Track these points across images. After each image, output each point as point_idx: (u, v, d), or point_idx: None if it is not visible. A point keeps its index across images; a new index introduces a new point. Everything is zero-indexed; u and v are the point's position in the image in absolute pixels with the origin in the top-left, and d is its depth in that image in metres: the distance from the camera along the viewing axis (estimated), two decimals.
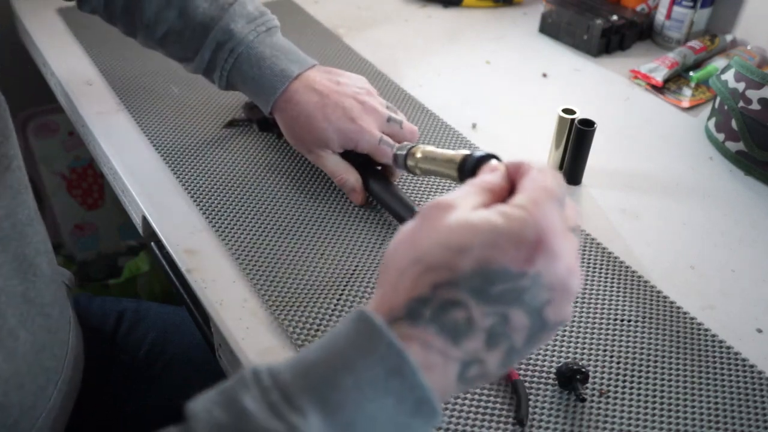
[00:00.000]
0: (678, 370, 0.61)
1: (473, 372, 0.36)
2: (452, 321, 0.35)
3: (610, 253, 0.73)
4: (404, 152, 0.62)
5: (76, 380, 0.67)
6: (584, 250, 0.73)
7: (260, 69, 0.74)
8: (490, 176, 0.41)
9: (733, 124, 0.87)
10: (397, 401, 0.33)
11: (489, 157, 0.47)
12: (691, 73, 1.04)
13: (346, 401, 0.32)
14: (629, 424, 0.57)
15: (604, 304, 0.67)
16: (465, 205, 0.37)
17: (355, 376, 0.33)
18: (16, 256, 0.56)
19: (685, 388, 0.60)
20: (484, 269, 0.35)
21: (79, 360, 0.69)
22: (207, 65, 0.77)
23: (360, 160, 0.75)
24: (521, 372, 0.60)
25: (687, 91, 1.02)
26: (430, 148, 0.59)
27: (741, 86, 0.85)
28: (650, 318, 0.66)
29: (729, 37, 1.10)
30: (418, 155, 0.60)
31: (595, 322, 0.65)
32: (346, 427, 0.32)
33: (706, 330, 0.65)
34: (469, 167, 0.48)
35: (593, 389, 0.60)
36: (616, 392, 0.59)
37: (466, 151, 0.51)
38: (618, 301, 0.68)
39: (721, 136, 0.89)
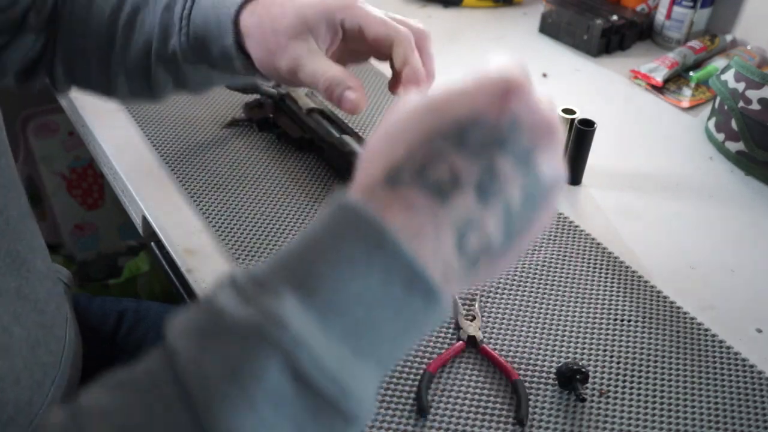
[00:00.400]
0: (678, 370, 0.61)
1: (474, 241, 0.33)
2: (435, 177, 0.32)
3: (610, 253, 0.73)
4: None
5: (74, 377, 0.67)
6: (584, 250, 0.73)
7: None
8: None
9: (733, 124, 0.87)
10: (384, 277, 0.30)
11: None
12: (691, 73, 1.04)
13: (325, 282, 0.30)
14: (629, 424, 0.57)
15: (604, 304, 0.67)
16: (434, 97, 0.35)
17: (334, 257, 0.30)
18: (8, 252, 0.56)
19: (685, 388, 0.60)
20: (456, 120, 0.33)
21: (77, 357, 0.69)
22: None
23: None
24: (521, 372, 0.60)
25: (687, 91, 1.02)
26: None
27: (741, 86, 0.85)
28: (650, 318, 0.66)
29: (729, 37, 1.10)
30: None
31: (595, 322, 0.65)
32: (328, 307, 0.30)
33: (706, 330, 0.65)
34: None
35: (593, 389, 0.60)
36: (616, 392, 0.59)
37: None
38: (618, 301, 0.68)
39: (721, 136, 0.89)
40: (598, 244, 0.74)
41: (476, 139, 0.32)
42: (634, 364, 0.62)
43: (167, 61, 0.63)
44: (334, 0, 0.53)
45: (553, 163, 0.35)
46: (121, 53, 0.65)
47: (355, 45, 0.55)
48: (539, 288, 0.69)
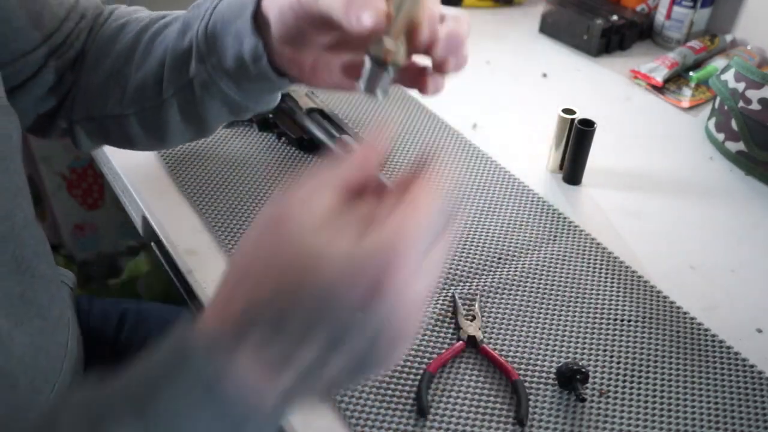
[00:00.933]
0: (678, 370, 0.61)
1: (296, 397, 0.36)
2: (277, 351, 0.34)
3: (610, 253, 0.73)
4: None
5: (74, 382, 0.67)
6: (584, 250, 0.73)
7: None
8: (346, 167, 0.37)
9: (733, 124, 0.87)
10: (214, 418, 0.34)
11: None
12: (691, 73, 1.04)
13: (164, 415, 0.34)
14: (629, 424, 0.57)
15: (604, 304, 0.67)
16: (312, 219, 0.35)
17: (173, 391, 0.34)
18: (14, 257, 0.56)
19: (685, 388, 0.60)
20: (315, 303, 0.34)
21: (78, 362, 0.69)
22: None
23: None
24: (521, 372, 0.60)
25: (687, 91, 1.02)
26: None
27: (741, 86, 0.85)
28: (650, 318, 0.66)
29: (729, 37, 1.10)
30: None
31: (595, 322, 0.65)
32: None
33: (707, 330, 0.65)
34: None
35: (593, 389, 0.60)
36: (616, 392, 0.59)
37: None
38: (618, 301, 0.68)
39: (721, 136, 0.89)
40: (598, 244, 0.74)
41: (333, 313, 0.34)
42: (634, 364, 0.62)
43: (180, 64, 0.59)
44: None
45: (392, 351, 0.36)
46: (138, 69, 0.62)
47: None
48: (539, 288, 0.69)
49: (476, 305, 0.66)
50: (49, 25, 0.63)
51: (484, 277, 0.69)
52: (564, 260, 0.72)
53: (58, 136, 0.69)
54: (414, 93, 0.97)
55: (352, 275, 0.33)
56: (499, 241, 0.74)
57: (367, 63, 0.44)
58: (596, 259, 0.72)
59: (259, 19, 0.53)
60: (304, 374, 0.35)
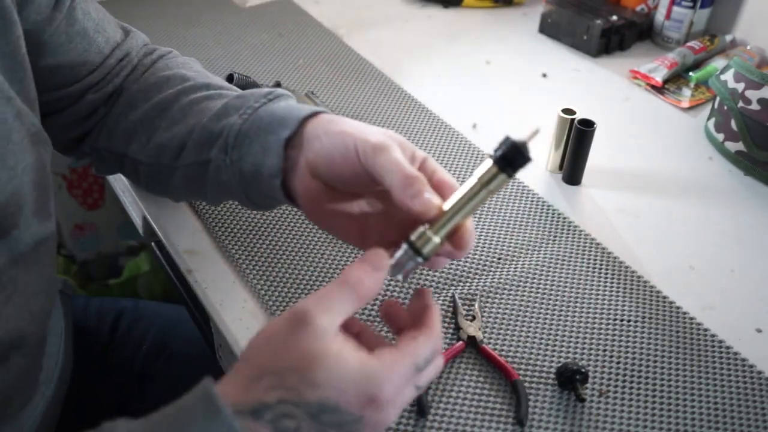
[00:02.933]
0: (678, 370, 0.62)
1: None
2: (284, 426, 0.42)
3: (610, 253, 0.73)
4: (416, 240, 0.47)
5: (61, 389, 0.68)
6: (584, 250, 0.73)
7: (274, 111, 0.58)
8: (371, 281, 0.44)
9: (733, 124, 0.87)
10: None
11: (517, 146, 0.44)
12: (690, 74, 1.04)
13: None
14: (629, 424, 0.57)
15: (604, 304, 0.67)
16: (330, 327, 0.42)
17: None
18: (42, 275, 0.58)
19: (685, 388, 0.60)
20: (323, 403, 0.41)
21: (66, 371, 0.69)
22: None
23: None
24: (521, 372, 0.60)
25: (687, 92, 1.02)
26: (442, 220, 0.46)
27: (740, 86, 0.86)
28: (650, 318, 0.66)
29: (729, 37, 1.10)
30: (435, 236, 0.46)
31: (595, 322, 0.65)
32: None
33: (706, 330, 0.65)
34: (511, 159, 0.45)
35: (593, 389, 0.60)
36: (616, 392, 0.59)
37: (488, 162, 0.45)
38: (618, 301, 0.68)
39: (720, 136, 0.89)
40: (598, 244, 0.74)
41: (327, 419, 0.42)
42: (634, 364, 0.62)
43: (205, 143, 0.59)
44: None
45: None
46: (167, 128, 0.63)
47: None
48: (539, 288, 0.69)
49: (476, 305, 0.66)
50: (92, 61, 0.64)
51: (484, 277, 0.69)
52: (564, 260, 0.72)
53: (80, 157, 0.71)
54: (414, 93, 0.97)
55: (353, 385, 0.41)
56: (499, 241, 0.74)
57: (404, 247, 0.46)
58: (596, 259, 0.72)
59: (296, 139, 0.54)
60: None
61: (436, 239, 0.46)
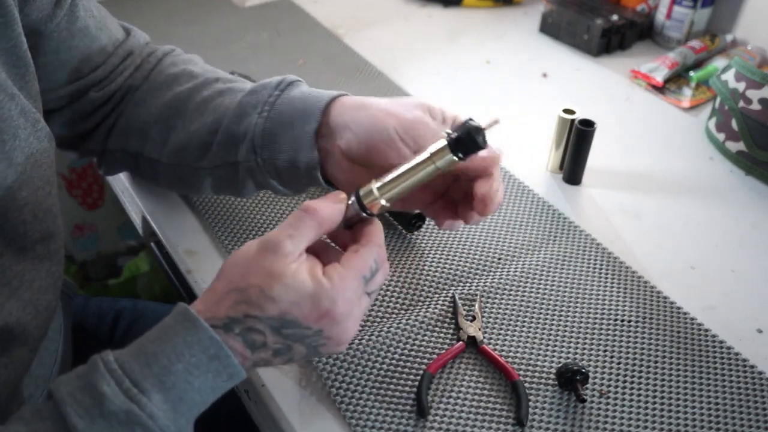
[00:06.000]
0: (678, 370, 0.61)
1: (261, 365, 0.50)
2: (252, 339, 0.47)
3: (610, 253, 0.73)
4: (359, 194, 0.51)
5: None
6: (584, 250, 0.73)
7: (303, 95, 0.60)
8: (330, 210, 0.49)
9: (734, 124, 0.87)
10: (215, 376, 0.46)
11: (472, 133, 0.46)
12: (691, 73, 1.04)
13: (178, 381, 0.45)
14: (629, 424, 0.57)
15: (604, 304, 0.67)
16: (294, 252, 0.47)
17: (184, 363, 0.45)
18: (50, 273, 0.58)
19: (685, 388, 0.60)
20: (283, 317, 0.47)
21: (66, 369, 0.69)
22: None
23: None
24: (521, 372, 0.60)
25: (687, 91, 1.02)
26: (382, 180, 0.50)
27: (741, 86, 0.85)
28: (650, 318, 0.66)
29: (729, 37, 1.10)
30: (376, 187, 0.50)
31: (595, 323, 0.65)
32: (179, 399, 0.45)
33: (706, 330, 0.65)
34: (464, 144, 0.47)
35: (593, 390, 0.59)
36: (616, 392, 0.59)
37: (443, 139, 0.48)
38: (618, 301, 0.67)
39: (721, 136, 0.89)
40: (598, 244, 0.74)
41: (288, 332, 0.48)
42: (634, 365, 0.62)
43: (231, 146, 0.60)
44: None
45: (333, 350, 0.51)
46: (185, 127, 0.63)
47: None
48: (539, 288, 0.68)
49: (476, 306, 0.66)
50: (95, 59, 0.64)
51: (484, 277, 0.69)
52: (564, 260, 0.72)
53: (84, 155, 0.71)
54: (414, 93, 0.97)
55: (309, 300, 0.47)
56: (499, 241, 0.74)
57: (352, 199, 0.51)
58: (596, 259, 0.72)
59: (322, 129, 0.57)
60: (270, 357, 0.49)
61: (383, 201, 0.50)
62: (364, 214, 0.51)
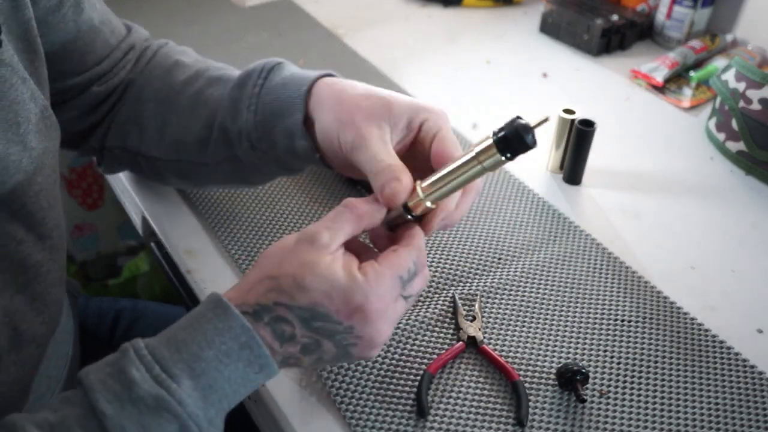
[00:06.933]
0: (678, 370, 0.61)
1: (290, 363, 0.49)
2: (281, 330, 0.47)
3: (610, 253, 0.73)
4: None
5: (69, 387, 0.68)
6: (584, 250, 0.73)
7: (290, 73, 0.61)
8: (370, 207, 0.49)
9: (734, 124, 0.86)
10: (245, 366, 0.46)
11: (520, 131, 0.43)
12: (691, 73, 1.04)
13: (208, 368, 0.45)
14: (629, 425, 0.57)
15: (604, 304, 0.67)
16: (331, 245, 0.47)
17: (214, 350, 0.45)
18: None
19: (685, 388, 0.60)
20: (313, 308, 0.46)
21: (74, 370, 0.69)
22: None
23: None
24: (521, 373, 0.60)
25: (687, 91, 1.02)
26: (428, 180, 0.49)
27: (741, 86, 0.85)
28: (650, 318, 0.66)
29: (729, 37, 1.10)
30: (421, 188, 0.49)
31: (595, 323, 0.65)
32: (208, 386, 0.45)
33: (706, 330, 0.65)
34: (512, 143, 0.43)
35: (593, 390, 0.59)
36: (616, 393, 0.59)
37: (489, 138, 0.45)
38: (618, 301, 0.67)
39: (721, 136, 0.89)
40: (598, 244, 0.74)
41: (317, 325, 0.47)
42: (634, 365, 0.62)
43: (229, 143, 0.61)
44: (422, 102, 0.54)
45: (366, 354, 0.50)
46: (179, 122, 0.63)
47: (413, 151, 0.55)
48: (539, 288, 0.68)
49: (476, 306, 0.66)
50: (100, 52, 0.64)
51: (484, 277, 0.69)
52: (564, 260, 0.72)
53: (85, 153, 0.71)
54: (414, 93, 0.97)
55: (341, 293, 0.46)
56: (499, 241, 0.74)
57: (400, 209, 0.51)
58: (596, 260, 0.72)
59: (308, 118, 0.57)
60: (298, 353, 0.48)
61: (428, 203, 0.49)
62: (409, 216, 0.49)
